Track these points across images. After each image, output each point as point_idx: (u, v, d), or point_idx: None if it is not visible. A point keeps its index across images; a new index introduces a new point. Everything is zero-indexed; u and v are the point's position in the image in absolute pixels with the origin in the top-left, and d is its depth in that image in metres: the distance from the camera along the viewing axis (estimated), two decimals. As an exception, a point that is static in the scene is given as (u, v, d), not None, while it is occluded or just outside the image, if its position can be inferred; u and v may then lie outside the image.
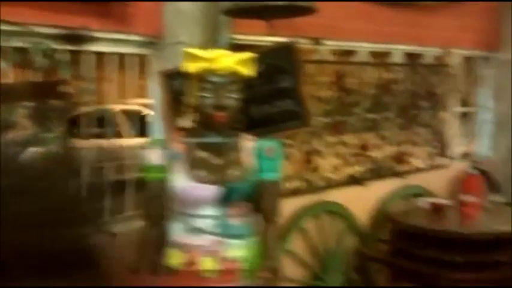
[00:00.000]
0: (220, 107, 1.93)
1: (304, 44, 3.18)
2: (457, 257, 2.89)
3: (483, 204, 3.41)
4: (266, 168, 2.06)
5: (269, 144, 2.09)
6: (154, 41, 2.74)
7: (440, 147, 4.45)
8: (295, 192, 3.30)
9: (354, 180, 3.67)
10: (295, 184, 3.34)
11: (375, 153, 3.84)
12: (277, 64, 2.37)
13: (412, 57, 4.14)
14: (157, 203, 2.02)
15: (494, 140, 5.01)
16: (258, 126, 2.30)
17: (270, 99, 2.39)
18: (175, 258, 1.98)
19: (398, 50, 4.00)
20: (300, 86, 2.39)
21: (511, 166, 4.75)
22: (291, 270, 3.20)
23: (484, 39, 4.65)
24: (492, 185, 4.42)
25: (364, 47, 3.73)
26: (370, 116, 3.79)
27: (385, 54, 3.94)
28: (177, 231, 2.00)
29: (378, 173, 3.83)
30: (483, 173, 4.13)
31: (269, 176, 2.06)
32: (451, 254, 2.93)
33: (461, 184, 3.40)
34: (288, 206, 3.19)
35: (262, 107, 2.40)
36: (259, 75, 2.17)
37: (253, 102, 2.34)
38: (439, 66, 4.31)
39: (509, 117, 4.83)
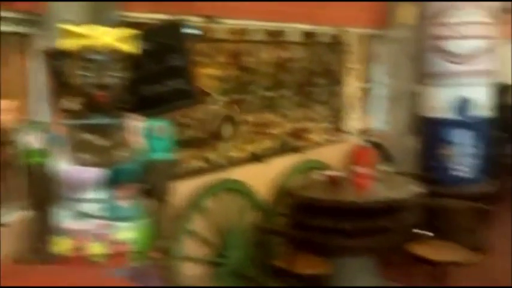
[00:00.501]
0: (101, 86, 1.86)
1: (199, 22, 3.16)
2: (349, 225, 3.05)
3: (376, 174, 3.60)
4: (157, 148, 2.03)
5: (159, 123, 2.06)
6: (36, 19, 2.58)
7: (338, 122, 4.65)
8: (196, 172, 3.31)
9: (255, 158, 3.74)
10: (196, 164, 3.34)
11: (275, 131, 3.93)
12: (166, 42, 2.33)
13: (308, 35, 4.26)
14: (40, 189, 1.93)
15: (389, 114, 5.31)
16: (149, 106, 2.26)
17: (160, 79, 2.35)
18: (62, 245, 1.91)
19: (294, 29, 4.08)
20: (190, 64, 2.38)
21: (405, 139, 5.08)
22: (194, 249, 3.22)
23: (377, 18, 4.88)
24: (385, 156, 4.70)
25: (260, 26, 3.77)
26: (269, 94, 3.86)
27: (282, 32, 4.01)
28: (63, 217, 1.92)
29: (277, 149, 3.93)
30: (376, 145, 4.36)
31: (160, 155, 2.03)
32: (345, 222, 3.09)
33: (353, 156, 3.58)
34: (189, 186, 3.19)
35: (153, 86, 2.36)
36: (148, 54, 2.13)
37: (143, 82, 2.29)
38: (334, 44, 4.47)
39: (401, 92, 5.14)
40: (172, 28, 2.36)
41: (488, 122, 4.54)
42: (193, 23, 2.99)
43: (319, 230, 3.18)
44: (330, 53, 4.46)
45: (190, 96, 2.36)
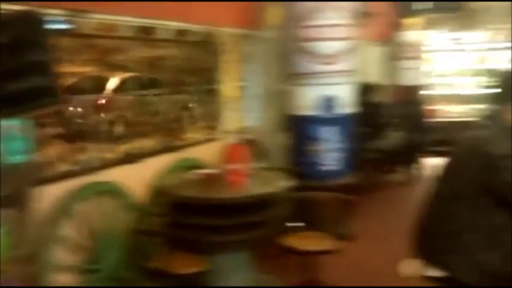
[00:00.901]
0: None
1: (65, 15, 2.98)
2: (223, 221, 3.10)
3: (249, 171, 3.70)
4: (14, 150, 1.89)
5: (14, 124, 1.92)
6: None
7: (214, 121, 4.70)
8: (65, 175, 3.13)
9: (129, 158, 3.64)
10: (65, 167, 3.17)
11: (150, 130, 3.87)
12: (24, 35, 2.18)
13: (181, 33, 4.24)
14: None
15: (262, 112, 5.49)
16: (5, 104, 2.10)
17: (18, 75, 2.19)
18: None
19: (166, 26, 4.04)
20: (53, 60, 2.24)
21: (277, 136, 5.28)
22: (65, 256, 3.05)
23: (247, 18, 5.00)
24: (260, 153, 4.85)
25: (130, 22, 3.67)
26: (142, 92, 3.78)
27: (153, 30, 3.94)
28: None
29: (153, 149, 3.87)
30: (251, 142, 4.49)
31: (16, 158, 1.90)
32: (219, 219, 3.13)
33: (228, 154, 3.64)
34: (58, 190, 3.01)
35: (9, 83, 2.19)
36: (3, 47, 1.96)
37: (-2, 78, 2.11)
38: (207, 43, 4.50)
39: (271, 91, 5.33)
40: (30, 20, 2.20)
41: (352, 119, 4.89)
42: (58, 16, 2.82)
43: (194, 228, 3.19)
44: (204, 52, 4.49)
45: (52, 94, 2.23)
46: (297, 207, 3.61)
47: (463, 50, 8.99)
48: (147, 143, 3.81)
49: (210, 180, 3.56)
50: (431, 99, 8.82)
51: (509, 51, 8.49)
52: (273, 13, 5.07)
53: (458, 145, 2.34)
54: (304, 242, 3.37)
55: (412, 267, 2.47)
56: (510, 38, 8.50)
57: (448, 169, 2.36)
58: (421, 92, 8.51)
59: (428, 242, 2.37)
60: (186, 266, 3.11)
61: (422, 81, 8.63)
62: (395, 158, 7.14)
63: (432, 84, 9.10)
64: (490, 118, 2.32)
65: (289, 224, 3.54)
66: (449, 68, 9.10)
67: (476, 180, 2.16)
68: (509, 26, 8.36)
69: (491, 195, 2.15)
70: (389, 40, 8.50)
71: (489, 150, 2.12)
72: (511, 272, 2.15)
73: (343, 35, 4.63)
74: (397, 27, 8.56)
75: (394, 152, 6.93)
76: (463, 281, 2.20)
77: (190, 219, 3.18)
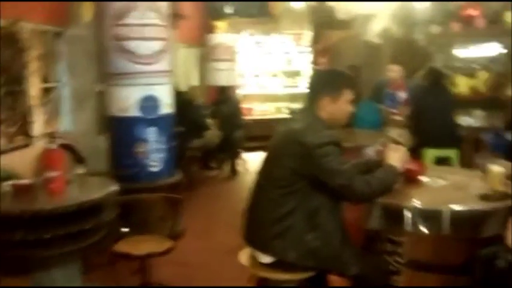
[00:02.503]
0: None
1: None
2: (43, 234, 2.83)
3: (68, 177, 3.44)
4: None
5: None
6: None
7: (22, 126, 4.25)
8: None
9: None
10: None
11: None
12: None
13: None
14: None
15: (76, 115, 5.16)
16: None
17: None
18: None
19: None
20: None
21: (95, 139, 5.01)
22: None
23: (56, 14, 4.65)
24: (77, 158, 4.54)
25: None
26: None
27: None
28: None
29: None
30: (66, 147, 4.17)
31: None
32: (39, 232, 2.85)
33: (43, 161, 3.33)
34: None
35: None
36: None
37: None
38: (8, 39, 4.05)
39: (85, 92, 5.04)
40: None
41: (172, 119, 4.88)
42: None
43: (12, 244, 2.85)
44: (5, 49, 4.02)
45: None
46: (124, 211, 3.48)
47: (269, 53, 9.67)
48: None
49: (24, 191, 3.21)
50: (245, 98, 9.32)
51: (309, 54, 9.43)
52: (85, 10, 4.79)
53: (275, 138, 2.51)
54: (136, 246, 3.26)
55: (246, 257, 2.58)
56: (309, 43, 9.43)
57: (267, 161, 2.53)
58: (235, 92, 8.92)
59: (256, 230, 2.50)
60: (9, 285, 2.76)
61: (235, 81, 9.06)
62: (216, 154, 7.42)
63: (245, 85, 9.62)
64: (302, 113, 2.53)
65: (118, 230, 3.39)
66: (259, 69, 9.73)
67: (294, 169, 2.34)
68: (306, 31, 9.28)
69: (309, 181, 2.35)
70: (201, 42, 8.73)
71: (305, 141, 2.32)
72: (332, 251, 2.38)
73: (157, 35, 4.59)
74: (207, 29, 8.83)
75: (214, 149, 7.19)
76: (290, 262, 2.37)
77: (5, 235, 2.83)
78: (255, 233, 2.51)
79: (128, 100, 4.51)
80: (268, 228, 2.41)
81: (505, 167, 2.55)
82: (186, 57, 8.07)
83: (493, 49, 10.03)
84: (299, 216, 2.38)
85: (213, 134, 7.12)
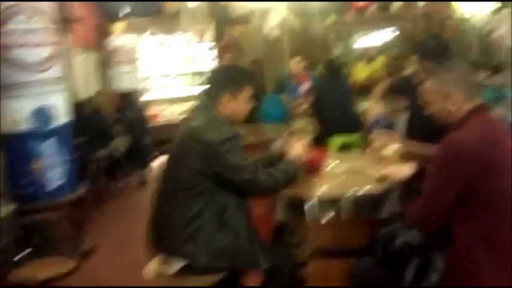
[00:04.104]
0: None
1: None
2: None
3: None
4: None
5: None
6: None
7: None
8: None
9: None
10: None
11: None
12: None
13: None
14: None
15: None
16: None
17: None
18: None
19: None
20: None
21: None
22: None
23: None
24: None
25: None
26: None
27: None
28: None
29: None
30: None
31: None
32: None
33: None
34: None
35: None
36: None
37: None
38: None
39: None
40: None
41: (70, 128, 4.62)
42: None
43: None
44: None
45: None
46: (25, 233, 3.25)
47: (171, 53, 9.49)
48: None
49: None
50: (151, 101, 9.09)
51: (213, 51, 9.38)
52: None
53: (175, 140, 2.44)
54: (39, 271, 3.04)
55: (157, 267, 2.49)
56: (212, 39, 9.37)
57: (169, 163, 2.45)
58: (140, 96, 8.67)
59: (165, 236, 2.42)
60: None
61: (139, 85, 8.80)
62: (123, 164, 7.12)
63: (150, 88, 9.37)
64: (201, 110, 2.48)
65: (15, 255, 3.15)
66: (162, 70, 9.51)
67: (197, 169, 2.29)
68: (209, 28, 9.22)
69: (214, 180, 2.31)
70: (99, 46, 8.38)
71: (206, 139, 2.28)
72: (241, 247, 2.36)
73: (46, 41, 4.30)
74: (105, 32, 8.49)
75: (121, 158, 6.91)
76: (201, 265, 2.32)
77: None
78: (164, 240, 2.43)
79: (19, 113, 4.19)
80: (178, 233, 2.35)
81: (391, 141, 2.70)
82: (84, 63, 7.70)
83: (387, 34, 10.61)
84: (208, 217, 2.34)
85: (119, 142, 6.86)
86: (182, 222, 2.33)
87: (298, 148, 2.56)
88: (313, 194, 2.40)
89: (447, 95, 2.10)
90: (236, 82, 2.43)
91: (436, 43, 2.92)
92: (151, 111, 8.85)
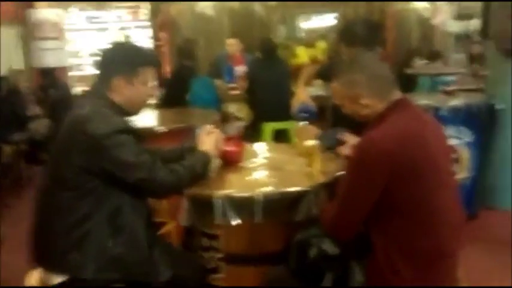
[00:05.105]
0: None
1: None
2: None
3: None
4: None
5: None
6: None
7: None
8: None
9: None
10: None
11: None
12: None
13: None
14: None
15: None
16: None
17: None
18: None
19: None
20: None
21: None
22: None
23: None
24: None
25: None
26: None
27: None
28: None
29: None
30: None
31: None
32: None
33: None
34: None
35: None
36: None
37: None
38: None
39: None
40: None
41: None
42: None
43: None
44: None
45: None
46: None
47: (103, 29, 8.90)
48: None
49: None
50: (80, 79, 8.50)
51: (149, 29, 8.88)
52: None
53: (60, 131, 2.07)
54: None
55: (37, 278, 2.12)
56: (148, 17, 8.86)
57: (52, 158, 2.08)
58: (66, 74, 8.09)
59: (46, 245, 2.06)
60: None
61: (66, 62, 8.20)
62: (45, 146, 6.60)
63: (79, 65, 8.77)
64: (91, 96, 2.12)
65: None
66: (92, 47, 8.89)
67: (82, 166, 1.94)
68: (144, 4, 8.71)
69: (104, 179, 1.97)
70: (21, 19, 7.70)
71: (91, 130, 1.92)
72: (139, 255, 2.05)
73: None
74: (27, 4, 7.81)
75: (43, 140, 6.38)
76: (88, 278, 1.98)
77: None
78: (44, 250, 2.07)
79: None
80: (60, 241, 1.98)
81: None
82: (4, 37, 7.05)
83: (328, 19, 10.44)
84: (97, 221, 1.99)
85: (40, 123, 6.32)
86: (65, 229, 1.97)
87: (209, 141, 2.26)
88: (221, 194, 2.11)
89: (356, 98, 1.86)
90: (130, 64, 2.07)
91: (363, 29, 2.68)
92: (79, 89, 8.29)
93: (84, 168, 1.93)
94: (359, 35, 2.65)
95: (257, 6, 8.76)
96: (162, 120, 4.32)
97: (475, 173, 4.26)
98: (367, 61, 1.92)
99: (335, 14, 10.21)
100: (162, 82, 5.40)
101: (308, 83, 3.08)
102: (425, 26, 9.60)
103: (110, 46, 2.24)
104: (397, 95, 1.88)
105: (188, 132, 3.93)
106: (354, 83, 1.86)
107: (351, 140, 2.32)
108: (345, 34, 2.75)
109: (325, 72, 3.07)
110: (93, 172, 1.94)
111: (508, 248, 3.50)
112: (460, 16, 9.66)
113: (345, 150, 2.30)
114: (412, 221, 1.74)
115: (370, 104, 1.86)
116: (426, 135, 1.81)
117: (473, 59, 8.47)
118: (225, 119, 5.26)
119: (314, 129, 2.60)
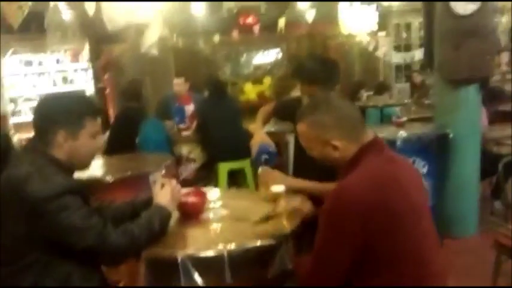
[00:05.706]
0: None
1: None
2: None
3: None
4: None
5: None
6: None
7: None
8: None
9: None
10: None
11: None
12: None
13: None
14: None
15: None
16: None
17: None
18: None
19: None
20: None
21: None
22: None
23: None
24: None
25: None
26: None
27: None
28: None
29: None
30: None
31: None
32: None
33: None
34: None
35: None
36: None
37: None
38: None
39: None
40: None
41: None
42: None
43: None
44: None
45: None
46: None
47: (42, 73, 8.51)
48: None
49: None
50: (18, 127, 8.03)
51: (90, 71, 8.57)
52: None
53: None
54: None
55: None
56: (89, 59, 8.56)
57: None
58: (5, 121, 7.63)
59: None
60: None
61: (3, 109, 7.76)
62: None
63: (16, 112, 8.31)
64: (28, 153, 1.88)
65: None
66: (31, 92, 8.46)
67: (22, 233, 1.69)
68: (84, 46, 8.42)
69: (46, 247, 1.72)
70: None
71: (31, 192, 1.68)
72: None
73: None
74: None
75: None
76: None
77: None
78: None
79: None
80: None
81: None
82: None
83: (272, 55, 10.52)
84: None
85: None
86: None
87: (164, 193, 2.06)
88: (183, 254, 1.89)
89: (326, 141, 1.74)
90: (74, 115, 1.86)
91: (320, 66, 2.59)
92: (18, 137, 7.81)
93: (23, 237, 1.68)
94: (318, 73, 2.55)
95: (201, 44, 8.68)
96: (110, 169, 4.01)
97: (433, 202, 4.23)
98: (335, 101, 1.81)
99: (277, 49, 10.31)
100: (107, 126, 5.13)
101: (266, 122, 2.94)
102: (368, 58, 9.82)
103: (48, 97, 2.03)
104: (369, 135, 1.77)
105: (141, 180, 3.68)
106: (322, 125, 1.74)
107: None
108: (302, 72, 2.65)
109: (282, 111, 2.96)
110: (34, 241, 1.69)
111: (477, 276, 3.44)
112: (398, 47, 10.01)
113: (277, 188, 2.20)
114: (399, 274, 1.59)
115: (340, 147, 1.73)
116: (401, 178, 1.70)
117: (415, 88, 8.73)
118: (178, 162, 5.03)
119: (277, 173, 2.45)
